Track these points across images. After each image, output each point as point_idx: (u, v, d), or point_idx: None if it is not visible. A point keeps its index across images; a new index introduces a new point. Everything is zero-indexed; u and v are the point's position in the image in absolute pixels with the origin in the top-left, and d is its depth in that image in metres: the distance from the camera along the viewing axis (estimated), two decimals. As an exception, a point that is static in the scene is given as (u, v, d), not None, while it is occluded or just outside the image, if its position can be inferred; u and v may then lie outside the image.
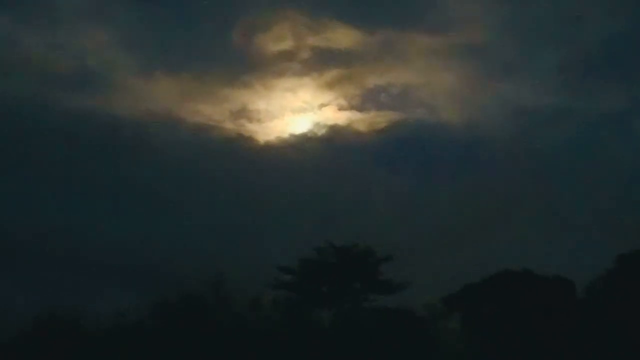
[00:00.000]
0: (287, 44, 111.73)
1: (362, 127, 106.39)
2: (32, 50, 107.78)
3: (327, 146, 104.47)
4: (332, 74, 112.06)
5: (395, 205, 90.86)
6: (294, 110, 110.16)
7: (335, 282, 56.45)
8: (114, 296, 59.14)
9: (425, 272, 63.19)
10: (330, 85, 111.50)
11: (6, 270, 67.92)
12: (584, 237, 75.40)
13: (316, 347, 48.56)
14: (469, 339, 51.97)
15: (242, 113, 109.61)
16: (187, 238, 78.86)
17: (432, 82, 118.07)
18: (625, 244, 56.62)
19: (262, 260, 66.34)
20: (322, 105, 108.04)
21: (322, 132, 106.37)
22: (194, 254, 71.20)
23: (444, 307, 54.11)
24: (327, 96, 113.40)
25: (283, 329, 50.00)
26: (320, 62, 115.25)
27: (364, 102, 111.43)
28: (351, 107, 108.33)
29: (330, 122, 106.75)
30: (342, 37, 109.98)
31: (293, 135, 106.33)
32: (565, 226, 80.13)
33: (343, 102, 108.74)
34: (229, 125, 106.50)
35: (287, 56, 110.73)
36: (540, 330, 50.23)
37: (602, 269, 54.70)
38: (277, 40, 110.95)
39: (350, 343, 49.02)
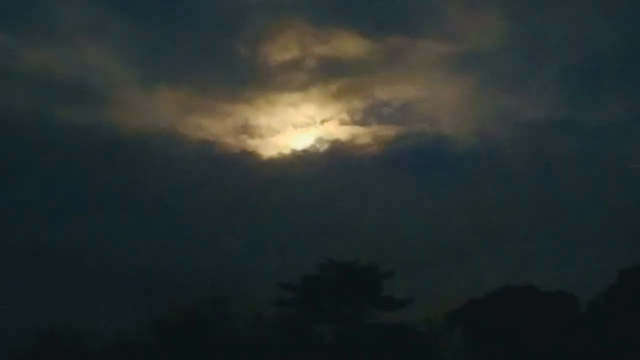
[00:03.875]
0: (292, 54, 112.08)
1: (364, 142, 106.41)
2: (33, 65, 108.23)
3: (329, 161, 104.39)
4: (337, 84, 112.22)
5: (397, 220, 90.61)
6: (296, 126, 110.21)
7: (337, 298, 56.24)
8: (115, 312, 59.04)
9: (427, 287, 63.04)
10: (334, 97, 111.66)
11: (7, 287, 67.74)
12: (587, 252, 75.07)
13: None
14: (472, 354, 51.75)
15: (244, 128, 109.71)
16: (189, 253, 78.75)
17: (434, 96, 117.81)
18: (628, 259, 56.51)
19: (264, 276, 66.20)
20: (324, 121, 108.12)
21: (324, 147, 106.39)
22: (195, 270, 71.11)
23: (447, 323, 53.89)
24: (329, 111, 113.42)
25: (285, 346, 49.76)
26: (325, 72, 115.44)
27: (366, 116, 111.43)
28: (353, 122, 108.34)
29: (332, 137, 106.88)
30: (348, 45, 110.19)
31: (295, 151, 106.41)
32: (568, 241, 79.79)
33: (345, 116, 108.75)
34: (231, 141, 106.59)
35: (292, 66, 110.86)
36: (543, 345, 50.02)
37: (604, 285, 54.57)
38: (282, 50, 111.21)
39: (352, 359, 48.82)
